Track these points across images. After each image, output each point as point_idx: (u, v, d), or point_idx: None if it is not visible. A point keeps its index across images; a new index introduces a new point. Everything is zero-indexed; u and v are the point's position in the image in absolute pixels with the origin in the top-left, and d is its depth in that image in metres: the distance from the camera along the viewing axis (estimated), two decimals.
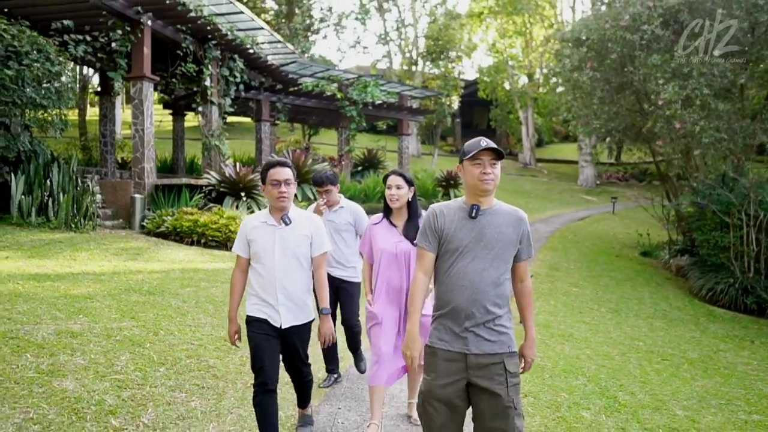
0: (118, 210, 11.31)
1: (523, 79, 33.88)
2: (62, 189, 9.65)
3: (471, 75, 40.98)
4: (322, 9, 37.31)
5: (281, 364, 3.57)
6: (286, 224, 3.47)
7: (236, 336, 3.55)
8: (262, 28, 15.47)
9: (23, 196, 9.31)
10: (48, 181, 9.58)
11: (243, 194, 11.74)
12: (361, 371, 5.17)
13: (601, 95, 12.48)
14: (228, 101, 14.61)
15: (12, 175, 9.33)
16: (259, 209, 9.07)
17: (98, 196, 10.33)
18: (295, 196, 3.93)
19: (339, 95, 18.81)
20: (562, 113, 16.32)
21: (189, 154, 19.95)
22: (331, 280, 4.57)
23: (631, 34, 10.93)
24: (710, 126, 10.01)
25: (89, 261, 7.77)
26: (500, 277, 2.74)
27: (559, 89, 20.36)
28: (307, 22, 27.92)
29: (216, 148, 13.98)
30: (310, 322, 3.58)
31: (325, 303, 3.56)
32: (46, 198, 9.52)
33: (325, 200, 4.73)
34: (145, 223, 10.76)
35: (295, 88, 18.67)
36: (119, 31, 11.63)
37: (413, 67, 31.37)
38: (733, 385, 6.52)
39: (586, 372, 6.12)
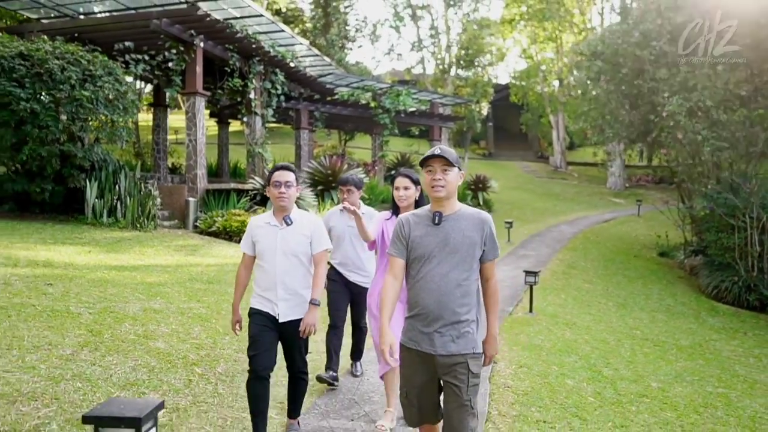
0: (174, 211, 12.65)
1: (554, 84, 34.54)
2: (128, 193, 11.02)
3: (504, 79, 41.75)
4: (357, 20, 38.62)
5: (276, 360, 3.73)
6: (288, 225, 3.68)
7: (237, 326, 3.80)
8: (301, 44, 16.76)
9: (96, 200, 10.72)
10: (117, 187, 10.97)
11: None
12: (355, 375, 5.34)
13: (613, 106, 13.35)
14: (270, 112, 15.90)
15: (87, 181, 10.74)
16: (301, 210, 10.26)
17: (158, 200, 11.68)
18: (322, 198, 4.87)
19: (373, 104, 19.99)
20: (579, 122, 17.18)
21: (232, 159, 21.36)
22: (348, 284, 4.95)
23: (641, 50, 11.81)
24: (713, 135, 10.83)
25: (156, 255, 9.07)
26: (466, 280, 2.90)
27: (579, 97, 21.15)
28: (343, 33, 29.18)
29: (259, 155, 15.28)
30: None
31: (316, 295, 3.69)
32: (115, 201, 10.90)
33: (345, 200, 4.88)
34: (198, 224, 12.08)
35: (332, 98, 19.91)
36: (173, 51, 12.96)
37: (445, 75, 32.38)
38: (713, 367, 7.41)
39: (580, 352, 7.09)
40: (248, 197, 13.08)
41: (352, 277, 4.95)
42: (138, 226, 10.86)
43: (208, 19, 12.37)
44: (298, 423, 4.04)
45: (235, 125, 30.15)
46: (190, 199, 12.42)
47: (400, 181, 4.11)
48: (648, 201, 25.41)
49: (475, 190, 20.59)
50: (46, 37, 11.40)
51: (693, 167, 12.50)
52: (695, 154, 11.79)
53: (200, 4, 12.53)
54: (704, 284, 12.37)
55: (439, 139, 23.19)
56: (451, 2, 33.10)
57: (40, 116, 9.73)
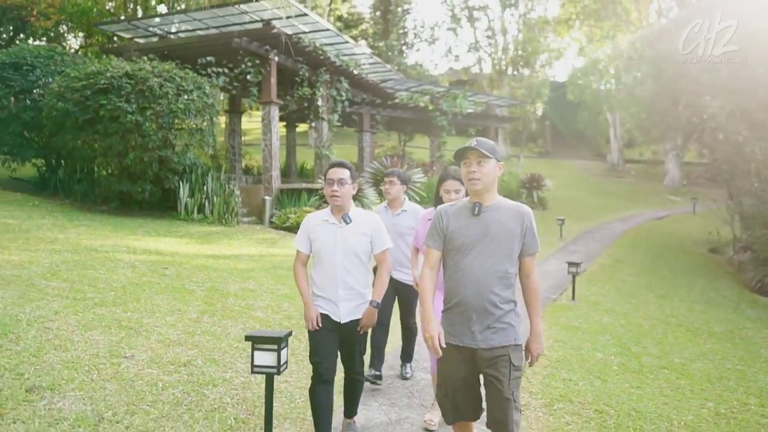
0: (251, 209, 14.11)
1: (611, 82, 34.65)
2: (215, 193, 12.52)
3: (561, 77, 41.97)
4: (415, 25, 39.78)
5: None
6: (347, 223, 3.61)
7: (317, 319, 3.62)
8: (363, 53, 18.02)
9: (188, 199, 12.26)
10: (205, 187, 12.48)
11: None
12: (405, 377, 5.29)
13: (659, 108, 13.97)
14: (336, 117, 17.23)
15: (180, 182, 12.29)
16: (364, 209, 11.50)
17: (239, 198, 13.14)
18: (383, 197, 5.21)
19: (431, 107, 21.07)
20: (625, 124, 17.74)
21: (299, 159, 22.89)
22: (393, 282, 4.69)
23: (686, 53, 12.40)
24: (754, 136, 11.37)
25: (241, 247, 10.47)
26: (506, 272, 2.89)
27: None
28: (402, 39, 30.38)
29: (326, 156, 16.63)
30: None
31: (378, 297, 3.63)
32: (203, 200, 12.42)
33: (387, 191, 4.97)
34: (273, 220, 13.49)
35: (392, 102, 21.11)
36: (250, 64, 14.41)
37: (501, 76, 33.10)
38: (738, 349, 8.16)
39: (613, 333, 8.00)
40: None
41: (397, 275, 4.89)
42: (223, 221, 12.35)
43: (281, 36, 13.76)
44: (354, 421, 4.05)
45: (300, 127, 31.89)
46: (266, 197, 13.86)
47: (451, 185, 4.05)
48: (705, 198, 25.50)
49: (529, 189, 21.37)
50: (145, 57, 13.02)
51: (736, 166, 13.01)
52: (738, 154, 12.32)
53: (274, 22, 13.95)
54: (749, 278, 12.91)
55: (496, 139, 24.04)
56: (508, 3, 33.76)
57: (143, 127, 11.31)
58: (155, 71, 11.74)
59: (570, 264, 9.67)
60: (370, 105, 20.19)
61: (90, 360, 4.18)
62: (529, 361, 3.04)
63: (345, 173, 3.60)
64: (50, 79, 12.97)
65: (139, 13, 24.03)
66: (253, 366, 3.34)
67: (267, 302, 6.93)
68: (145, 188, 12.08)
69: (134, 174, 12.04)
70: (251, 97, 14.81)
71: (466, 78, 35.96)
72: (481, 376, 2.97)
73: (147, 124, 11.31)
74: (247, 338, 3.30)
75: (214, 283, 7.34)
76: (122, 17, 22.45)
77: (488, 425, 2.93)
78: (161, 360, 4.50)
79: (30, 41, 25.56)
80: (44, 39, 25.66)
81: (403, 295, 5.01)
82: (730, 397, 5.93)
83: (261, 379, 4.26)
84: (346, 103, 17.95)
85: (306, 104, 16.78)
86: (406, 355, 5.38)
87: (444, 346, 2.92)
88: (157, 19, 16.50)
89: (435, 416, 4.18)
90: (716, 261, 15.28)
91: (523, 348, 2.99)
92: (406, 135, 28.23)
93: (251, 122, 32.92)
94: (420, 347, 5.59)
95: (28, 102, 13.27)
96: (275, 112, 14.63)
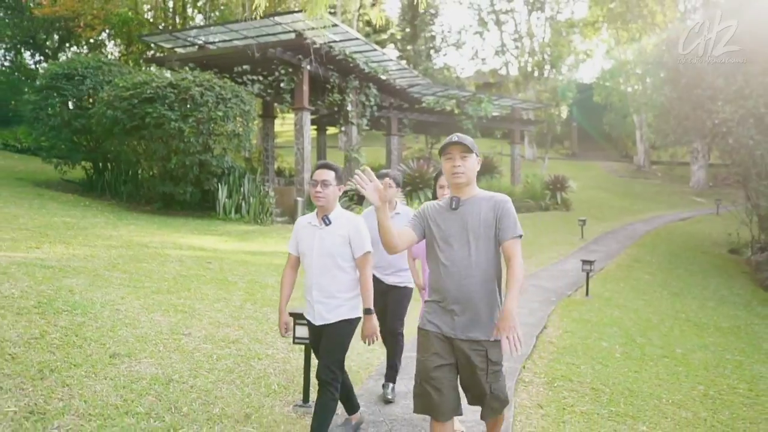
0: (284, 209, 14.93)
1: (638, 84, 34.79)
2: (251, 194, 13.36)
3: (588, 79, 42.12)
4: (442, 30, 40.39)
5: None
6: (326, 225, 3.60)
7: (284, 327, 3.77)
8: (391, 60, 18.74)
9: (226, 200, 13.12)
10: (241, 189, 13.34)
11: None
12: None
13: (676, 112, 14.39)
14: (365, 121, 17.99)
15: (218, 184, 13.16)
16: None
17: (273, 199, 13.96)
18: (411, 198, 5.93)
19: (456, 111, 21.70)
20: (630, 132, 18.11)
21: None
22: (384, 288, 4.61)
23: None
24: (765, 140, 11.76)
25: (276, 244, 11.27)
26: (486, 264, 2.94)
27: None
28: (429, 44, 31.08)
29: (355, 159, 17.39)
30: (348, 321, 3.59)
31: (369, 304, 3.58)
32: (240, 201, 13.27)
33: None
34: None
35: (419, 106, 21.80)
36: (284, 72, 15.25)
37: (527, 79, 33.54)
38: (741, 343, 8.65)
39: (621, 326, 8.56)
40: (347, 197, 15.16)
41: (390, 280, 4.69)
42: (259, 221, 13.18)
43: (313, 46, 14.56)
44: (354, 419, 4.06)
45: (330, 130, 32.82)
46: (299, 198, 14.66)
47: (445, 181, 4.08)
48: (729, 200, 25.62)
49: (553, 190, 21.83)
50: (187, 68, 13.94)
51: (748, 169, 13.36)
52: (750, 157, 12.69)
53: (307, 33, 14.76)
54: (764, 278, 13.27)
55: (520, 141, 24.55)
56: (535, 6, 34.18)
57: (185, 133, 12.20)
58: (196, 81, 12.62)
59: (584, 262, 10.22)
60: (397, 109, 20.89)
61: (155, 336, 4.97)
62: (502, 344, 2.78)
63: (330, 175, 3.59)
64: (99, 88, 13.96)
65: (177, 23, 25.10)
66: (294, 338, 4.08)
67: (300, 293, 7.67)
68: (186, 190, 12.96)
69: (176, 176, 12.94)
70: (284, 103, 15.63)
71: (493, 81, 36.45)
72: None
73: (189, 130, 12.19)
74: (290, 314, 4.03)
75: (253, 276, 8.12)
76: (160, 26, 23.58)
77: (470, 401, 3.07)
78: (214, 338, 5.27)
79: (73, 49, 26.94)
80: (85, 47, 27.03)
81: (394, 299, 4.66)
82: (721, 383, 6.48)
83: (299, 354, 5.02)
84: (375, 107, 18.68)
85: (336, 109, 17.57)
86: (391, 370, 4.75)
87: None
88: (196, 30, 17.45)
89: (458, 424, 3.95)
90: (734, 261, 15.61)
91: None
92: (432, 137, 28.87)
93: (283, 125, 33.92)
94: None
95: (79, 110, 14.28)
96: (307, 117, 15.44)
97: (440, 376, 2.94)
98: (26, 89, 27.35)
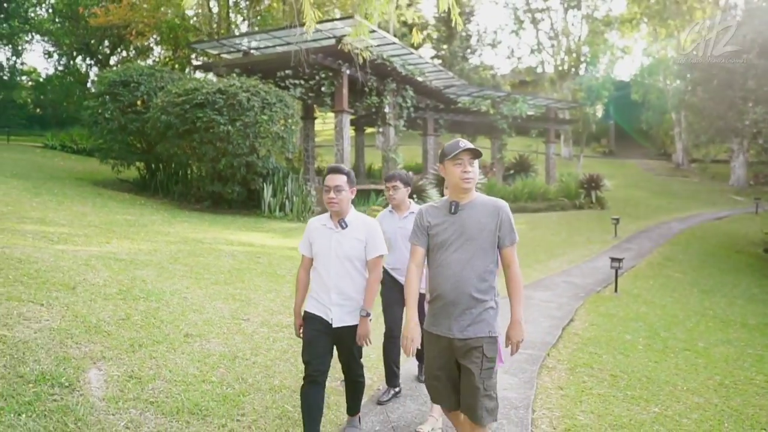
0: (325, 208, 15.60)
1: (677, 81, 34.51)
2: (294, 193, 14.10)
3: (625, 76, 41.86)
4: (478, 30, 40.66)
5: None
6: (343, 228, 3.61)
7: (301, 329, 3.74)
8: (427, 62, 19.28)
9: (271, 198, 13.88)
10: (285, 188, 14.08)
11: (415, 196, 15.57)
12: (420, 380, 5.08)
13: (708, 113, 14.57)
14: (402, 122, 18.59)
15: (264, 184, 13.93)
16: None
17: (314, 198, 14.67)
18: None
19: (492, 111, 22.12)
20: (668, 130, 18.25)
21: (367, 161, 24.40)
22: (401, 288, 4.57)
23: (732, 63, 13.04)
24: None
25: None
26: (484, 267, 3.03)
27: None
28: (465, 44, 31.49)
29: (392, 159, 18.01)
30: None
31: (368, 306, 3.61)
32: (284, 199, 14.02)
33: (391, 197, 4.73)
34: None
35: (455, 106, 22.30)
36: (324, 76, 15.95)
37: (561, 79, 33.64)
38: (766, 338, 8.95)
39: (647, 320, 8.96)
40: (384, 196, 15.78)
41: (403, 279, 4.64)
42: (301, 218, 13.90)
43: (352, 51, 15.21)
44: (359, 419, 4.11)
45: (367, 129, 33.53)
46: None
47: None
48: None
49: (588, 189, 22.06)
50: (234, 74, 14.75)
51: None
52: None
53: (346, 38, 15.41)
54: None
55: (555, 140, 24.81)
56: (570, 5, 34.22)
57: (233, 136, 12.98)
58: (243, 87, 13.40)
59: (612, 259, 10.62)
60: (433, 110, 21.43)
61: (219, 320, 5.66)
62: (509, 348, 3.13)
63: (341, 179, 3.62)
64: (153, 94, 14.88)
65: (221, 28, 26.07)
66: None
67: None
68: (233, 189, 13.77)
69: (224, 176, 13.75)
70: (325, 106, 16.34)
71: (528, 79, 36.63)
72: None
73: (236, 133, 12.97)
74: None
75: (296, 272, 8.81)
76: (205, 31, 24.54)
77: (461, 410, 3.13)
78: (269, 323, 5.95)
79: (123, 54, 28.20)
80: (133, 52, 28.28)
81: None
82: (738, 374, 6.86)
83: None
84: (411, 109, 19.26)
85: (374, 110, 18.21)
86: (420, 359, 5.11)
87: (413, 352, 3.17)
88: (240, 37, 18.28)
89: (427, 426, 4.18)
90: None
91: (504, 336, 3.13)
92: (468, 137, 29.28)
93: (321, 125, 34.72)
94: None
95: (134, 114, 15.23)
96: (346, 119, 16.11)
97: (442, 374, 3.13)
98: (77, 91, 28.83)
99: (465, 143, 3.04)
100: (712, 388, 6.17)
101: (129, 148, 15.71)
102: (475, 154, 3.03)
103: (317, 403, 3.59)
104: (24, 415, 3.21)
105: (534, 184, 22.04)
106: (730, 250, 16.46)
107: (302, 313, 3.76)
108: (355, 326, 3.62)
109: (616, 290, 10.60)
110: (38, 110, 32.78)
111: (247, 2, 23.73)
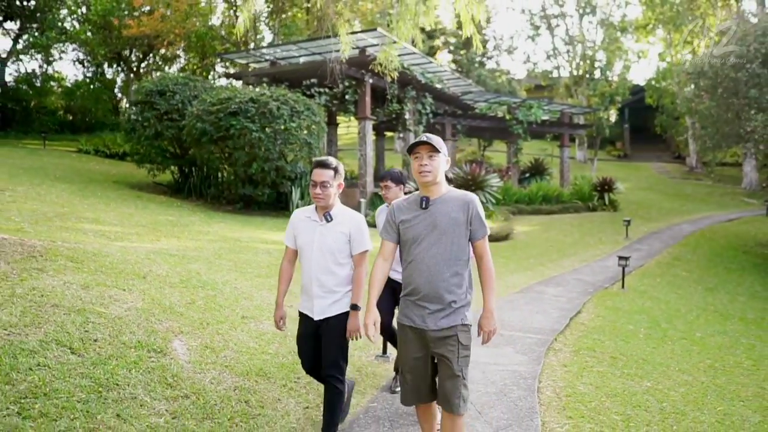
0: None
1: (691, 86, 34.97)
2: None
3: (640, 80, 42.29)
4: (495, 37, 41.35)
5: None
6: (327, 221, 3.63)
7: (281, 322, 3.83)
8: (446, 70, 20.12)
9: (299, 200, 14.79)
10: None
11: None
12: (394, 391, 4.88)
13: (714, 120, 15.20)
14: (421, 128, 19.42)
15: (292, 187, 14.84)
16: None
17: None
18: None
19: (507, 116, 22.89)
20: (682, 133, 18.88)
21: (387, 164, 25.25)
22: (393, 283, 4.60)
23: (736, 72, 13.70)
24: None
25: None
26: (455, 260, 3.08)
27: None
28: (482, 50, 32.30)
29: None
30: (347, 314, 3.63)
31: (357, 300, 3.61)
32: (311, 202, 14.90)
33: (385, 196, 4.77)
34: (367, 219, 15.82)
35: (472, 112, 23.10)
36: (348, 85, 16.84)
37: (576, 85, 34.27)
38: (761, 330, 9.63)
39: (650, 313, 9.68)
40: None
41: (398, 276, 4.55)
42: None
43: (375, 61, 16.06)
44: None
45: (387, 133, 34.42)
46: (362, 199, 16.22)
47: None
48: None
49: (600, 191, 22.71)
50: (264, 84, 15.70)
51: None
52: None
53: (369, 49, 16.29)
54: None
55: (570, 144, 25.49)
56: (586, 11, 34.86)
57: (264, 142, 13.90)
58: (273, 96, 14.32)
59: (620, 258, 11.35)
60: (451, 115, 22.25)
61: (267, 306, 6.53)
62: (481, 338, 3.16)
63: (328, 175, 3.61)
64: (187, 102, 15.86)
65: (243, 37, 27.14)
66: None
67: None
68: (264, 192, 14.69)
69: (255, 180, 14.67)
70: (349, 113, 17.24)
71: (544, 83, 37.29)
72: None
73: (267, 139, 13.89)
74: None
75: None
76: (232, 41, 25.59)
77: (438, 401, 3.20)
78: None
79: (151, 61, 29.35)
80: (160, 60, 29.43)
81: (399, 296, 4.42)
82: (729, 359, 7.58)
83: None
84: (430, 115, 20.09)
85: (395, 117, 19.07)
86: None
87: (375, 334, 3.24)
88: (267, 47, 19.26)
89: None
90: None
91: (476, 325, 3.16)
92: (485, 141, 30.07)
93: (345, 129, 35.64)
94: None
95: (170, 121, 16.22)
96: (369, 126, 17.00)
97: (418, 365, 3.18)
98: (105, 97, 30.01)
99: (424, 137, 3.11)
100: (702, 369, 6.91)
101: (164, 153, 16.71)
102: (432, 148, 3.07)
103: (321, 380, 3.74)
104: (133, 371, 4.09)
105: (548, 187, 22.72)
106: (738, 251, 17.05)
107: (284, 306, 3.90)
108: (336, 317, 3.62)
109: (623, 286, 11.31)
110: (68, 116, 34.05)
111: (271, 12, 24.73)
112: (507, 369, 5.59)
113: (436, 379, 3.23)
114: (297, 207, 14.74)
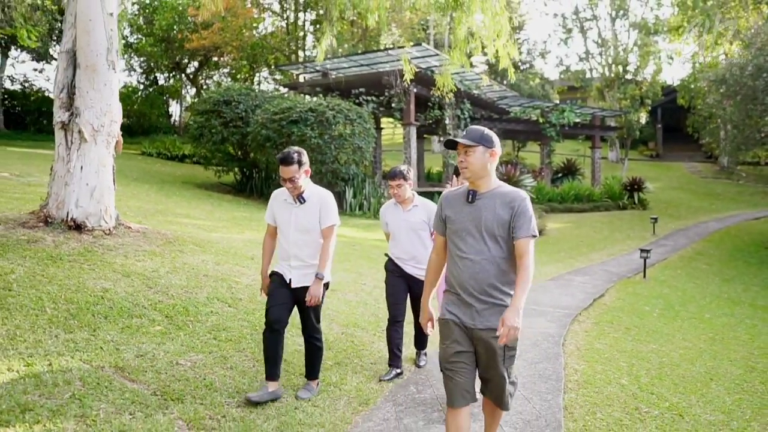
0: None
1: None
2: (371, 195, 16.67)
3: (673, 80, 42.91)
4: (527, 41, 42.55)
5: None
6: (301, 203, 4.04)
7: (267, 290, 4.22)
8: (482, 78, 21.60)
9: (352, 199, 16.50)
10: (364, 191, 16.67)
11: None
12: (419, 365, 5.31)
13: (734, 124, 16.35)
14: (460, 132, 20.97)
15: (346, 187, 16.55)
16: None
17: (386, 200, 17.20)
18: None
19: (541, 120, 24.27)
20: (713, 133, 19.98)
21: (426, 165, 26.83)
22: (407, 276, 5.00)
23: (754, 81, 14.86)
24: None
25: None
26: (499, 257, 3.04)
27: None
28: (517, 58, 33.62)
29: (451, 164, 20.42)
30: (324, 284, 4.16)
31: (322, 269, 4.04)
32: (363, 200, 16.60)
33: (396, 194, 4.97)
34: None
35: (507, 116, 24.54)
36: (392, 92, 18.48)
37: (606, 89, 35.28)
38: (766, 314, 10.91)
39: (666, 298, 11.02)
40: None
41: (411, 270, 4.98)
42: (377, 216, 16.47)
43: (419, 72, 17.70)
44: (317, 384, 4.41)
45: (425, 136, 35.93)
46: None
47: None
48: None
49: (630, 191, 23.91)
50: (321, 95, 17.44)
51: None
52: None
53: (414, 61, 17.90)
54: None
55: (600, 145, 26.72)
56: (618, 15, 35.85)
57: (322, 147, 15.62)
58: (329, 105, 16.03)
59: (642, 250, 12.71)
60: (488, 119, 23.72)
61: (347, 283, 8.19)
62: (499, 333, 2.88)
63: (293, 171, 3.96)
64: (250, 111, 17.68)
65: (295, 48, 29.02)
66: None
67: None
68: None
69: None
70: (395, 119, 18.90)
71: (577, 85, 38.35)
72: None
73: (324, 145, 15.61)
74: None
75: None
76: (278, 50, 27.50)
77: (488, 397, 3.24)
78: (379, 286, 8.46)
79: (206, 71, 31.41)
80: (216, 70, 31.47)
81: (416, 289, 4.87)
82: (729, 334, 8.91)
83: None
84: (468, 119, 21.61)
85: (435, 121, 20.65)
86: (420, 342, 5.41)
87: (432, 330, 3.36)
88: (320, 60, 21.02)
89: None
90: None
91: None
92: (519, 143, 31.41)
93: (394, 134, 37.22)
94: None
95: (234, 128, 18.07)
96: (413, 131, 18.62)
97: (458, 361, 3.07)
98: (160, 103, 32.18)
99: (460, 139, 3.12)
100: (703, 339, 8.29)
101: (229, 156, 18.59)
102: (466, 144, 3.07)
103: (276, 349, 4.06)
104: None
105: (580, 186, 23.98)
106: (761, 246, 18.12)
107: (268, 273, 4.29)
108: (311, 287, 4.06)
109: (644, 276, 12.65)
110: (126, 120, 36.19)
111: (319, 26, 26.55)
112: (539, 331, 7.16)
113: (475, 380, 3.19)
114: (350, 205, 16.52)
